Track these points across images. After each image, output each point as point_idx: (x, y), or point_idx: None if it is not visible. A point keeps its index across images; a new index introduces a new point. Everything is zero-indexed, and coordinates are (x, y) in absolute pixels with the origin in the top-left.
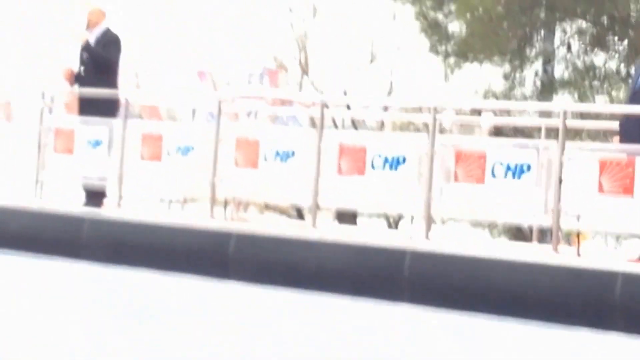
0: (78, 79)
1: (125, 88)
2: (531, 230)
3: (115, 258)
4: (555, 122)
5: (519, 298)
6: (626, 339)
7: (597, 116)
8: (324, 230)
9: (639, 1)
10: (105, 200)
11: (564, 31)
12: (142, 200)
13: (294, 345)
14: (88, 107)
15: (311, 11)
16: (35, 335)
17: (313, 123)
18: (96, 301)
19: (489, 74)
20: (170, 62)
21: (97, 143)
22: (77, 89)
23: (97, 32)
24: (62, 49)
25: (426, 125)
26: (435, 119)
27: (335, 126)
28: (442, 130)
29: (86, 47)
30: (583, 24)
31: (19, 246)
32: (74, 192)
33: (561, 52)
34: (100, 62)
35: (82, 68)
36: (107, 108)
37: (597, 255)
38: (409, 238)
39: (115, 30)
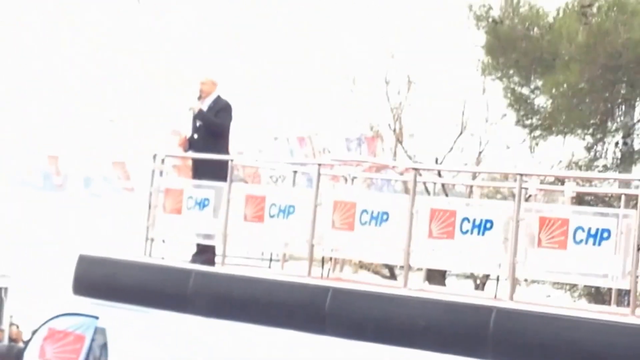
0: (192, 145)
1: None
2: (610, 293)
3: (220, 311)
4: (635, 191)
5: (598, 356)
6: None
7: None
8: (415, 288)
9: None
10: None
11: None
12: (246, 257)
13: None
14: (202, 170)
15: (406, 83)
16: None
17: (406, 188)
18: (199, 352)
19: (572, 145)
20: (272, 127)
21: (204, 204)
22: (189, 154)
23: (209, 100)
24: (174, 116)
25: (512, 193)
26: (521, 187)
27: (427, 192)
28: (527, 198)
29: (200, 115)
30: None
31: (129, 298)
32: (184, 249)
33: None
34: (213, 129)
35: (196, 135)
36: (219, 171)
37: None
38: (495, 297)
39: (225, 97)
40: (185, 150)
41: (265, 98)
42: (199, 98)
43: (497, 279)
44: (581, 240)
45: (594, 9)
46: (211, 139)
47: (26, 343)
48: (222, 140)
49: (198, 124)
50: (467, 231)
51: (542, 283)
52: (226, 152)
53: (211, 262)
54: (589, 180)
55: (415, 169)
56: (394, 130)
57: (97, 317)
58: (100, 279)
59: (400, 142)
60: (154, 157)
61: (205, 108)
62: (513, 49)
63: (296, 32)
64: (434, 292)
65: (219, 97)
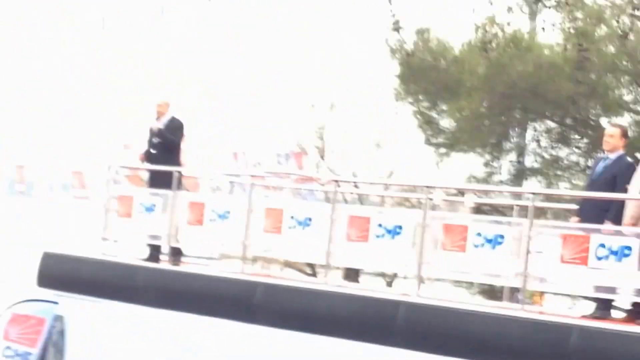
0: (150, 158)
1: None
2: (503, 291)
3: (164, 303)
4: (526, 202)
5: (492, 345)
6: None
7: (559, 199)
8: (334, 284)
9: (597, 107)
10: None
11: (535, 129)
12: (188, 255)
13: None
14: (157, 180)
15: (329, 106)
16: None
17: (327, 198)
18: (147, 339)
19: (472, 162)
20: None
21: (151, 209)
22: (142, 165)
23: (164, 119)
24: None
25: (420, 202)
26: (427, 198)
27: (345, 201)
28: (433, 207)
29: (158, 133)
30: (551, 124)
31: (86, 290)
32: (134, 248)
33: (532, 146)
34: (168, 145)
35: (154, 150)
36: (171, 180)
37: (556, 312)
38: (403, 293)
39: (178, 117)
40: (143, 162)
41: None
42: (157, 119)
43: (405, 277)
44: (479, 245)
45: (494, 45)
46: (166, 154)
47: None
48: (175, 154)
49: (155, 140)
50: (380, 235)
51: (444, 281)
52: (178, 164)
53: (156, 260)
54: (486, 193)
55: (336, 181)
56: (318, 147)
57: (56, 303)
58: (62, 273)
59: (323, 158)
60: (109, 168)
61: (162, 126)
62: (423, 78)
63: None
64: (351, 288)
65: (173, 117)
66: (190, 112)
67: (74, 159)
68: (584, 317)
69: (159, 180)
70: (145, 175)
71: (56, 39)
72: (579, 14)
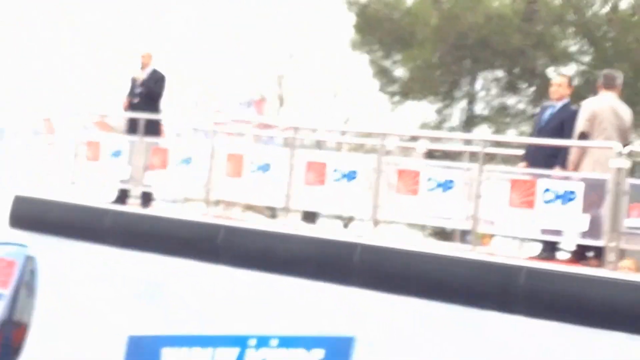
0: (132, 106)
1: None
2: (455, 233)
3: (130, 244)
4: (476, 149)
5: (445, 284)
6: (527, 320)
7: (508, 145)
8: (293, 227)
9: (544, 57)
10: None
11: (485, 78)
12: (157, 199)
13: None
14: (136, 127)
15: (288, 55)
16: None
17: (287, 143)
18: (114, 279)
19: (425, 109)
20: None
21: (118, 154)
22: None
23: (148, 70)
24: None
25: (375, 148)
26: (382, 144)
27: (304, 147)
28: (387, 152)
29: (141, 83)
30: (499, 73)
31: (57, 231)
32: (102, 191)
33: (481, 94)
34: (151, 95)
35: (137, 99)
36: (152, 128)
37: (504, 253)
38: (359, 235)
39: (161, 69)
40: (126, 110)
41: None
42: (141, 69)
43: (362, 220)
44: (431, 189)
45: None
46: (148, 103)
47: None
48: (156, 104)
49: (138, 90)
50: (336, 179)
51: (398, 224)
52: (159, 112)
53: (123, 203)
54: (438, 139)
55: (294, 128)
56: (278, 95)
57: (25, 245)
58: (32, 215)
59: (282, 105)
60: (77, 114)
61: (145, 77)
62: (377, 29)
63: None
64: (309, 230)
65: (155, 69)
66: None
67: (45, 106)
68: (530, 258)
69: (136, 128)
70: (115, 122)
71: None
72: None
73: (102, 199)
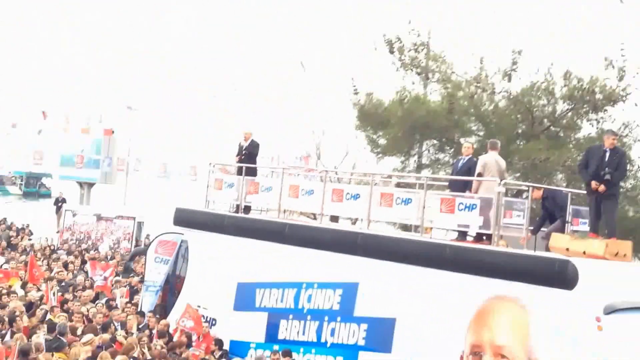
0: (241, 160)
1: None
2: (412, 227)
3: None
4: (422, 181)
5: (408, 254)
6: (451, 273)
7: (440, 180)
8: (325, 224)
9: (458, 132)
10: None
11: (427, 144)
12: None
13: (308, 270)
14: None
15: (322, 132)
16: None
17: (321, 179)
18: (227, 251)
19: (394, 161)
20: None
21: (231, 185)
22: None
23: (249, 140)
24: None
25: (368, 182)
26: (372, 179)
27: (331, 181)
28: (375, 184)
29: (246, 147)
30: (435, 141)
31: (198, 227)
32: (223, 205)
33: (425, 153)
34: (251, 155)
35: (244, 156)
36: (251, 171)
37: (438, 237)
38: (361, 228)
39: (256, 139)
40: (237, 162)
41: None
42: (245, 139)
43: (361, 220)
44: (399, 203)
45: (406, 100)
46: (250, 158)
47: (147, 246)
48: (254, 159)
49: (244, 152)
50: (348, 198)
51: (381, 222)
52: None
53: (237, 212)
54: (402, 176)
55: (325, 171)
56: (316, 154)
57: (182, 234)
58: (185, 218)
59: (319, 158)
60: (210, 164)
61: (247, 144)
62: (369, 118)
63: None
64: (334, 225)
65: (252, 140)
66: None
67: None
68: (452, 240)
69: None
70: (230, 169)
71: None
72: (448, 85)
73: (224, 210)
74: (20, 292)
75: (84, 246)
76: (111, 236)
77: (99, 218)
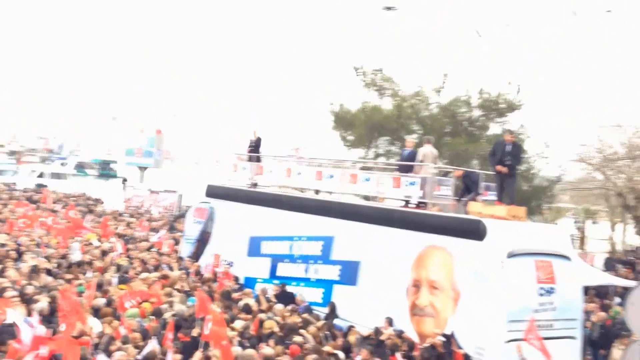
0: (251, 151)
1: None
2: (371, 198)
3: (251, 202)
4: (378, 166)
5: (371, 217)
6: (399, 230)
7: (391, 165)
8: (310, 195)
9: (404, 131)
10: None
11: (381, 140)
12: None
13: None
14: (252, 159)
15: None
16: None
17: (309, 164)
18: (243, 213)
19: (358, 152)
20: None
21: (245, 168)
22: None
23: (256, 136)
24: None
25: (340, 166)
26: (344, 165)
27: (312, 165)
28: (345, 168)
29: (254, 141)
30: (387, 138)
31: (222, 197)
32: (242, 183)
33: (380, 147)
34: (258, 147)
35: (252, 148)
36: (257, 158)
37: (389, 205)
38: (334, 199)
39: (261, 136)
40: (249, 152)
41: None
42: (253, 136)
43: (333, 193)
44: (362, 181)
45: (367, 109)
46: (256, 150)
47: (186, 211)
48: (258, 151)
49: (253, 144)
50: (328, 177)
51: (350, 194)
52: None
53: (254, 187)
54: (365, 162)
55: (312, 158)
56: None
57: (210, 202)
58: (214, 191)
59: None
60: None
61: (255, 139)
62: (342, 122)
63: None
64: (317, 196)
65: (258, 136)
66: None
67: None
68: (399, 206)
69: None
70: (245, 157)
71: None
72: (397, 98)
73: (239, 185)
74: (96, 244)
75: (140, 211)
76: (159, 204)
77: (151, 192)
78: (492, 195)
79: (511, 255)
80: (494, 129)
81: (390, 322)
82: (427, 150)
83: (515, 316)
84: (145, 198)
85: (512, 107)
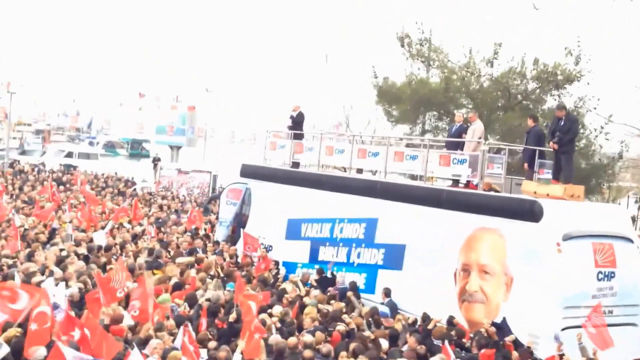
0: (291, 127)
1: None
2: (418, 177)
3: (290, 182)
4: (426, 142)
5: (416, 197)
6: (448, 211)
7: (438, 141)
8: (350, 174)
9: (453, 106)
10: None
11: (428, 115)
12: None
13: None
14: (292, 136)
15: (350, 107)
16: None
17: (350, 141)
18: (279, 193)
19: (404, 128)
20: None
21: (283, 146)
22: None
23: (297, 112)
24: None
25: (384, 143)
26: (389, 142)
27: (355, 142)
28: (390, 145)
29: (295, 117)
30: (435, 112)
31: (258, 177)
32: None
33: (428, 121)
34: (299, 123)
35: (292, 124)
36: (298, 136)
37: (439, 185)
38: (379, 179)
39: (302, 111)
40: (289, 130)
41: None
42: (293, 111)
43: (380, 172)
44: (407, 159)
45: (413, 82)
46: (296, 127)
47: (220, 192)
48: (300, 127)
49: (291, 121)
50: (371, 155)
51: (395, 173)
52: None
53: (297, 167)
54: (410, 139)
55: (353, 135)
56: (345, 122)
57: (247, 183)
58: (249, 171)
59: (348, 126)
60: (267, 131)
61: (295, 115)
62: (386, 96)
63: None
64: (357, 175)
65: (300, 111)
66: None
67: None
68: (448, 186)
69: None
70: (284, 134)
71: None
72: (445, 70)
73: (277, 164)
74: (128, 226)
75: (168, 194)
76: (189, 185)
77: (179, 172)
78: (547, 174)
79: (568, 237)
80: (551, 102)
81: (387, 293)
82: (477, 125)
83: (572, 302)
84: (174, 178)
85: (570, 79)
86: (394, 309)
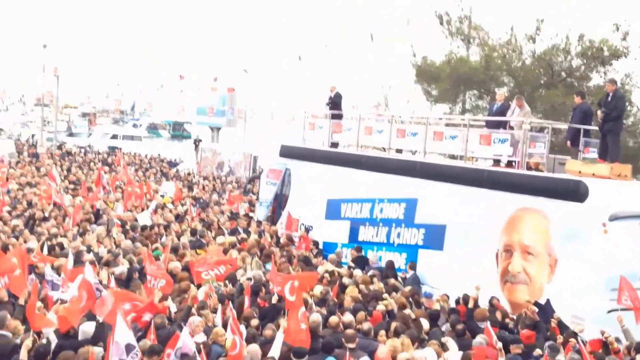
0: (330, 107)
1: None
2: (458, 157)
3: (327, 162)
4: (466, 121)
5: (455, 176)
6: (489, 191)
7: (479, 120)
8: (389, 154)
9: (493, 84)
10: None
11: (469, 93)
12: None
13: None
14: (332, 117)
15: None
16: None
17: (389, 121)
18: (318, 173)
19: (444, 107)
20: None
21: (321, 127)
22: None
23: (335, 92)
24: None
25: (424, 122)
26: (428, 122)
27: (395, 122)
28: (430, 124)
29: (333, 97)
30: (476, 92)
31: (297, 157)
32: (316, 143)
33: (468, 101)
34: (336, 103)
35: (330, 104)
36: (337, 116)
37: (479, 165)
38: (419, 159)
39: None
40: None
41: None
42: (331, 91)
43: (419, 152)
44: (447, 139)
45: (452, 61)
46: (334, 107)
47: (260, 173)
48: (338, 107)
49: (331, 101)
50: (410, 134)
51: (434, 153)
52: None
53: (336, 147)
54: (450, 119)
55: (392, 116)
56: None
57: (286, 164)
58: (288, 151)
59: (387, 107)
60: (304, 113)
61: (333, 96)
62: (425, 75)
63: None
64: (396, 155)
65: (337, 92)
66: None
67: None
68: (490, 165)
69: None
70: (322, 114)
71: None
72: (485, 48)
73: (315, 145)
74: (171, 207)
75: (211, 173)
76: (229, 165)
77: (220, 153)
78: (593, 153)
79: (614, 217)
80: (596, 79)
81: (412, 266)
82: (526, 110)
83: (618, 284)
84: (214, 159)
85: (617, 55)
86: (417, 283)
